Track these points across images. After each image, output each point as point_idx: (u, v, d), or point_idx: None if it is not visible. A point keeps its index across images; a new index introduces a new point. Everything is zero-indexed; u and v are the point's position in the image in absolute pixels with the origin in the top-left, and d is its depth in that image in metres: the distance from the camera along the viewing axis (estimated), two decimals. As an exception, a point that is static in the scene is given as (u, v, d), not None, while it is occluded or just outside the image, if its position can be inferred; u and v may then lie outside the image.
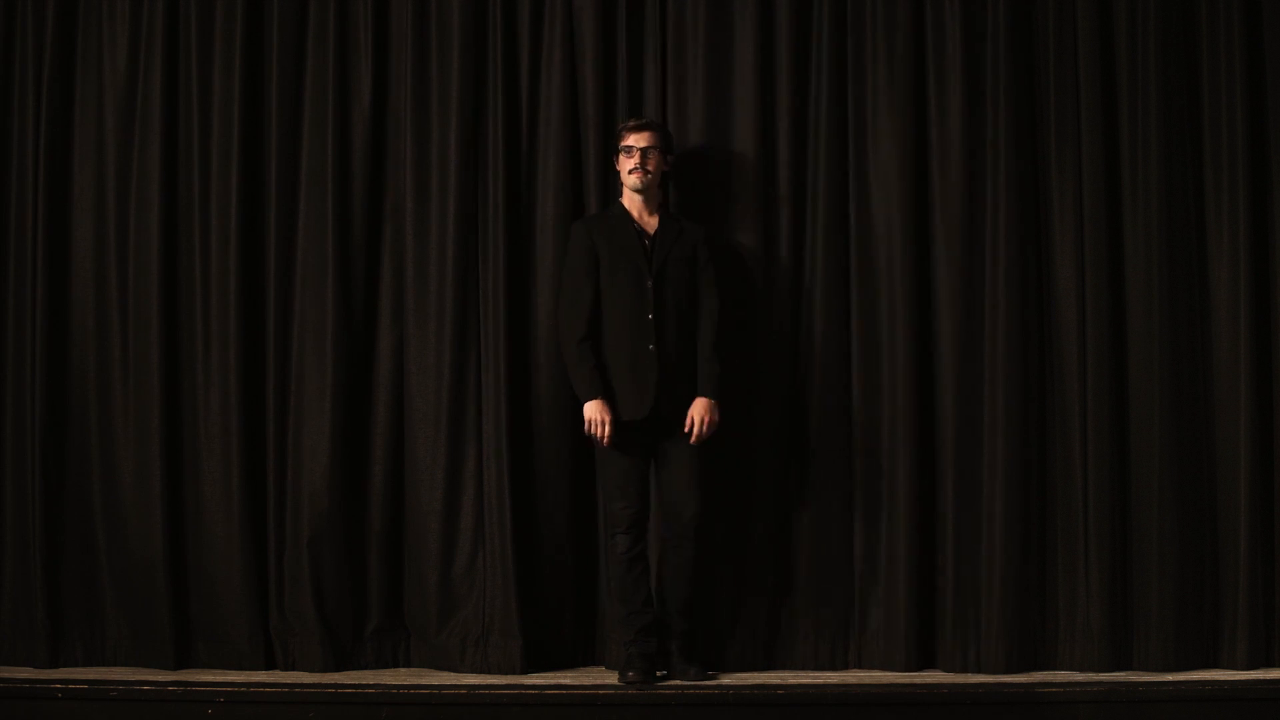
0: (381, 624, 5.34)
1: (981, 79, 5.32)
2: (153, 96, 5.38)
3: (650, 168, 5.10)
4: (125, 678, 5.08)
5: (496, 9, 5.37)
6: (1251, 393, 5.22)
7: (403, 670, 5.30)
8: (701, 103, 5.35)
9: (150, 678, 5.09)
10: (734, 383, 5.19)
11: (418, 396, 5.32)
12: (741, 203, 5.32)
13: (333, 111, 5.36)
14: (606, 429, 4.96)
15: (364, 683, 5.01)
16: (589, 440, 5.05)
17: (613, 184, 5.30)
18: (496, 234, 5.31)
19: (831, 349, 5.30)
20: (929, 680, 5.10)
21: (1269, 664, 5.19)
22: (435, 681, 5.08)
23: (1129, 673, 5.15)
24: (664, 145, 5.15)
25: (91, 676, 5.10)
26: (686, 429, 4.98)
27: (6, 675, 5.09)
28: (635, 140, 5.10)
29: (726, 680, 5.06)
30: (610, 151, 5.25)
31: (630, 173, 5.11)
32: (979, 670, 5.17)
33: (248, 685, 4.98)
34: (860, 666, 5.26)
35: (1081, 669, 5.17)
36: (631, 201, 5.16)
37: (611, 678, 5.04)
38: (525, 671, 5.17)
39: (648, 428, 5.00)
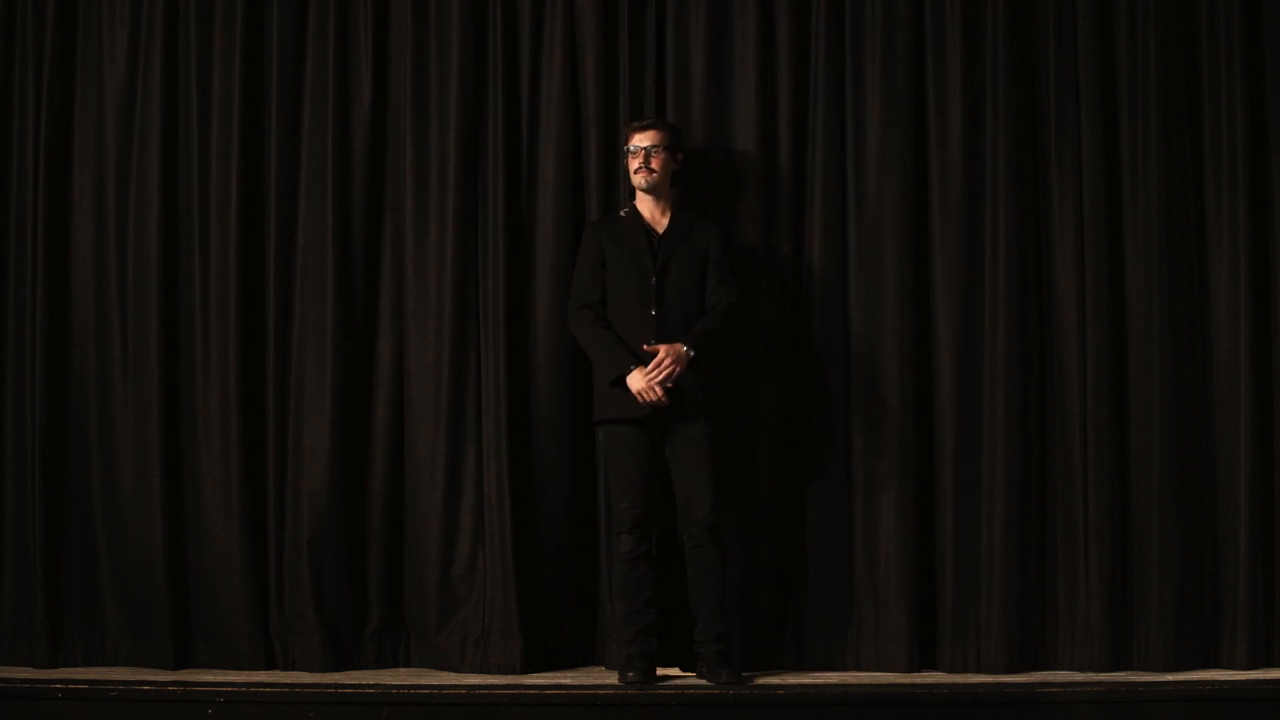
0: (381, 624, 5.34)
1: (981, 79, 5.31)
2: (152, 97, 5.38)
3: (654, 166, 5.07)
4: (125, 678, 5.08)
5: (497, 8, 5.37)
6: (1251, 393, 5.22)
7: (403, 670, 5.30)
8: (702, 102, 5.34)
9: (150, 678, 5.08)
10: (733, 383, 5.19)
11: (417, 396, 5.32)
12: (742, 201, 5.31)
13: (333, 111, 5.36)
14: (658, 391, 4.86)
15: (364, 683, 5.01)
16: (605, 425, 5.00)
17: (613, 184, 5.30)
18: (496, 234, 5.31)
19: (831, 349, 5.30)
20: (929, 680, 5.10)
21: (1269, 664, 5.19)
22: (435, 681, 5.07)
23: (1129, 673, 5.15)
24: (671, 144, 5.11)
25: (91, 676, 5.10)
26: (651, 367, 4.88)
27: (6, 675, 5.09)
28: (639, 140, 5.09)
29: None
30: (612, 151, 5.24)
31: (635, 173, 5.09)
32: (979, 670, 5.17)
33: (248, 685, 4.97)
34: (860, 667, 5.25)
35: (1081, 669, 5.17)
36: (643, 201, 5.14)
37: (611, 678, 5.04)
38: (525, 671, 5.17)
39: (651, 426, 4.98)
